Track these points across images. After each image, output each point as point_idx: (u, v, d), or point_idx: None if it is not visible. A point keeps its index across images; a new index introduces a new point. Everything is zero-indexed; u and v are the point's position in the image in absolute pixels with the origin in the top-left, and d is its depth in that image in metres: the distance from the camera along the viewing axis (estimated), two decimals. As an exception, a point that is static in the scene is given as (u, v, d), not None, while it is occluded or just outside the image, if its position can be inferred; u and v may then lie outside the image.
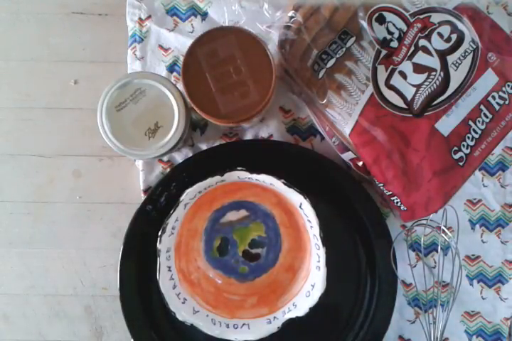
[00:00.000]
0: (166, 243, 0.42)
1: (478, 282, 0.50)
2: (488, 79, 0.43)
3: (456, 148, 0.43)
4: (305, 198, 0.41)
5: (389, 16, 0.42)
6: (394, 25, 0.42)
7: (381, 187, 0.44)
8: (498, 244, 0.50)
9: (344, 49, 0.42)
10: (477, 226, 0.50)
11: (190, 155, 0.49)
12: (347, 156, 0.46)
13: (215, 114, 0.41)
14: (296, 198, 0.42)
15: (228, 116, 0.41)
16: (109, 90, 0.41)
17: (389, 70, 0.42)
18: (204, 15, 0.51)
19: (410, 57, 0.42)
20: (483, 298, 0.50)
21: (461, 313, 0.50)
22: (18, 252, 0.52)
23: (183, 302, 0.43)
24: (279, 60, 0.45)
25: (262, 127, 0.51)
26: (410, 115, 0.42)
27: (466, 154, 0.43)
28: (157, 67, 0.51)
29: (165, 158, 0.50)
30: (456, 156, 0.43)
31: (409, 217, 0.44)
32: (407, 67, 0.42)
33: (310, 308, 0.42)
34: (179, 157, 0.50)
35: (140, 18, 0.51)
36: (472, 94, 0.43)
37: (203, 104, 0.41)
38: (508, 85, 0.44)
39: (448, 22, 0.42)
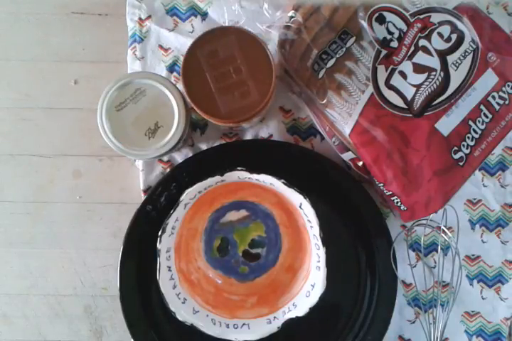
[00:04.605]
0: (166, 243, 0.42)
1: (478, 282, 0.50)
2: (488, 79, 0.43)
3: (456, 148, 0.43)
4: (305, 198, 0.41)
5: (389, 16, 0.42)
6: (394, 25, 0.42)
7: (381, 187, 0.44)
8: (498, 244, 0.50)
9: (344, 49, 0.42)
10: (477, 226, 0.50)
11: (190, 155, 0.49)
12: (347, 156, 0.46)
13: (215, 114, 0.41)
14: (296, 198, 0.42)
15: (228, 116, 0.41)
16: (109, 90, 0.41)
17: (389, 70, 0.42)
18: (204, 15, 0.51)
19: (410, 57, 0.42)
20: (483, 298, 0.50)
21: (461, 313, 0.50)
22: (18, 252, 0.52)
23: (183, 302, 0.43)
24: (279, 60, 0.45)
25: (262, 127, 0.51)
26: (410, 115, 0.42)
27: (466, 154, 0.43)
28: (157, 67, 0.51)
29: (165, 158, 0.50)
30: (456, 156, 0.43)
31: (409, 217, 0.44)
32: (407, 67, 0.42)
33: (310, 308, 0.42)
34: (179, 157, 0.50)
35: (140, 18, 0.51)
36: (472, 94, 0.43)
37: (202, 104, 0.41)
38: (508, 85, 0.44)
39: (448, 22, 0.42)
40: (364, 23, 0.42)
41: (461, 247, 0.50)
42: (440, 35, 0.42)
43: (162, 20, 0.51)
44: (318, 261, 0.42)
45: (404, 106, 0.42)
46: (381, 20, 0.42)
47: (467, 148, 0.43)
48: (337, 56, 0.42)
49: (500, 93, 0.43)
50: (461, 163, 0.43)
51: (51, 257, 0.52)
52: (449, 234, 0.49)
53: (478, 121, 0.43)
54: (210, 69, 0.41)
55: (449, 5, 0.43)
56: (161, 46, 0.51)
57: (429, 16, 0.42)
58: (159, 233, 0.41)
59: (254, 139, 0.50)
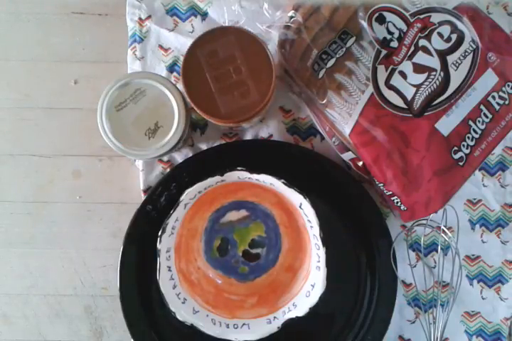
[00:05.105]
0: (166, 243, 0.42)
1: (478, 282, 0.50)
2: (488, 79, 0.43)
3: (456, 148, 0.43)
4: (305, 198, 0.41)
5: (389, 16, 0.42)
6: (394, 25, 0.42)
7: (381, 187, 0.44)
8: (498, 244, 0.50)
9: (344, 49, 0.42)
10: (477, 226, 0.50)
11: (190, 155, 0.49)
12: (347, 156, 0.46)
13: (215, 114, 0.41)
14: (296, 198, 0.42)
15: (228, 116, 0.41)
16: (109, 90, 0.41)
17: (389, 70, 0.42)
18: (204, 15, 0.51)
19: (410, 57, 0.42)
20: (483, 298, 0.50)
21: (461, 313, 0.50)
22: (18, 252, 0.52)
23: (183, 302, 0.43)
24: (279, 60, 0.45)
25: (262, 127, 0.51)
26: (410, 115, 0.42)
27: (466, 154, 0.43)
28: (157, 67, 0.51)
29: (165, 158, 0.50)
30: (456, 156, 0.43)
31: (409, 217, 0.44)
32: (407, 67, 0.42)
33: (310, 308, 0.42)
34: (179, 157, 0.50)
35: (140, 18, 0.51)
36: (472, 94, 0.43)
37: (202, 104, 0.41)
38: (508, 85, 0.44)
39: (448, 22, 0.42)
40: (364, 23, 0.42)
41: (461, 247, 0.50)
42: (440, 35, 0.42)
43: (162, 20, 0.51)
44: (318, 261, 0.42)
45: (404, 106, 0.42)
46: (381, 20, 0.42)
47: (467, 148, 0.43)
48: (337, 56, 0.42)
49: (500, 93, 0.43)
50: (461, 163, 0.43)
51: (51, 257, 0.52)
52: (449, 234, 0.49)
53: (478, 121, 0.43)
54: (210, 69, 0.41)
55: (449, 5, 0.43)
56: (161, 46, 0.51)
57: (429, 16, 0.42)
58: (159, 233, 0.41)
59: (254, 139, 0.50)
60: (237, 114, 0.41)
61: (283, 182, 0.41)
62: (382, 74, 0.42)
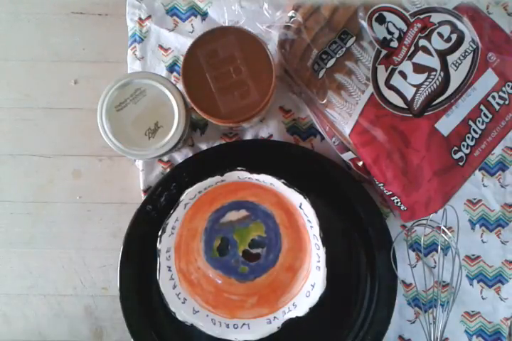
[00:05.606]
0: (166, 243, 0.42)
1: (478, 282, 0.50)
2: (488, 79, 0.43)
3: (456, 148, 0.43)
4: (305, 198, 0.41)
5: (389, 16, 0.42)
6: (394, 25, 0.42)
7: (381, 187, 0.44)
8: (498, 244, 0.50)
9: (344, 49, 0.42)
10: (477, 226, 0.50)
11: (190, 155, 0.49)
12: (347, 156, 0.46)
13: (215, 114, 0.41)
14: (296, 198, 0.42)
15: (228, 116, 0.41)
16: (109, 90, 0.41)
17: (389, 70, 0.42)
18: (204, 15, 0.51)
19: (410, 57, 0.42)
20: (483, 298, 0.50)
21: (461, 313, 0.50)
22: (18, 252, 0.52)
23: (183, 302, 0.43)
24: (279, 60, 0.45)
25: (262, 127, 0.51)
26: (410, 115, 0.42)
27: (466, 154, 0.43)
28: (157, 67, 0.51)
29: (165, 158, 0.50)
30: (456, 156, 0.43)
31: (409, 217, 0.44)
32: (407, 67, 0.42)
33: (310, 308, 0.42)
34: (179, 157, 0.50)
35: (140, 18, 0.51)
36: (472, 94, 0.43)
37: (203, 104, 0.41)
38: (508, 85, 0.44)
39: (448, 22, 0.42)
40: (364, 23, 0.42)
41: (461, 247, 0.50)
42: (440, 35, 0.42)
43: (162, 20, 0.51)
44: (318, 261, 0.42)
45: (404, 106, 0.42)
46: (381, 20, 0.42)
47: (467, 148, 0.43)
48: (337, 56, 0.42)
49: (500, 93, 0.43)
50: (461, 163, 0.43)
51: (51, 257, 0.52)
52: (449, 234, 0.49)
53: (478, 121, 0.43)
54: (210, 69, 0.41)
55: (449, 5, 0.43)
56: (161, 46, 0.51)
57: (429, 16, 0.42)
58: (159, 233, 0.41)
59: (254, 139, 0.50)
60: (237, 114, 0.41)
61: (283, 182, 0.41)
62: (382, 74, 0.42)
